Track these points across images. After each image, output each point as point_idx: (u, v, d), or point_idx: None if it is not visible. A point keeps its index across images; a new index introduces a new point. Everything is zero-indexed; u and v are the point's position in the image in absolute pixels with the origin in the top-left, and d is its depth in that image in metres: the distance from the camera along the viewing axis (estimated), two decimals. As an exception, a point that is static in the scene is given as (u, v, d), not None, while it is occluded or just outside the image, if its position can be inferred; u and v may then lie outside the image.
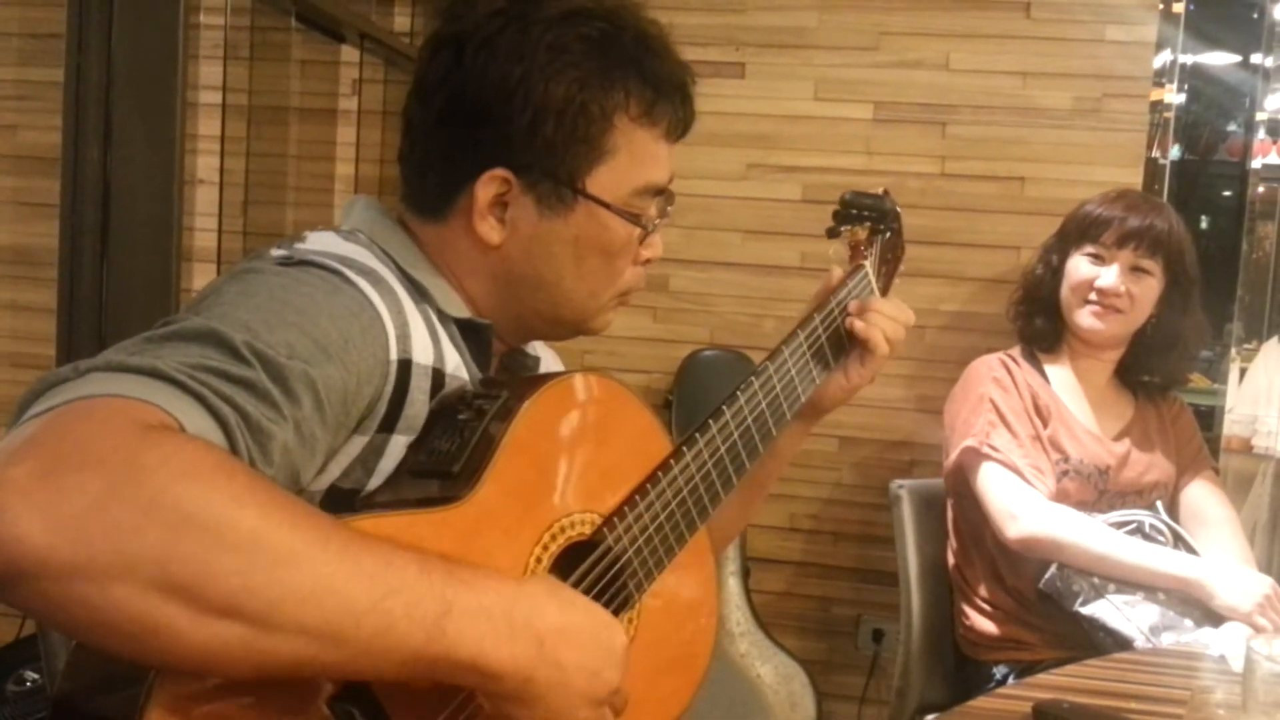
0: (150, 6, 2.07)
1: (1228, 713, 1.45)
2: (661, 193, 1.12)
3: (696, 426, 1.14)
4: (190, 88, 2.22)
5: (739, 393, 1.19)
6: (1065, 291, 2.26)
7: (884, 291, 1.46)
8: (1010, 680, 2.07)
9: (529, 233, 1.08)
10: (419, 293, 1.05)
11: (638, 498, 1.05)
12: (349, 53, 2.89)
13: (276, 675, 0.74)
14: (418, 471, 0.96)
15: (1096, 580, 2.02)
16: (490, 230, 1.07)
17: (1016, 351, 2.31)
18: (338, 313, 0.91)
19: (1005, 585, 2.16)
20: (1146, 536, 2.10)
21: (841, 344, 1.34)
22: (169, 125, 2.09)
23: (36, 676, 2.22)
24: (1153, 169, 2.76)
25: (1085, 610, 2.01)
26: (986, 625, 2.18)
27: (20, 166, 2.81)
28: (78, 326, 2.15)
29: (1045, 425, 2.18)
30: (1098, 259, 2.21)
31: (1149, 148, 2.70)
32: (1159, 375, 2.29)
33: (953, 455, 2.20)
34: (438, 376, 1.01)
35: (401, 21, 2.96)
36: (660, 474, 1.08)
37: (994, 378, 2.22)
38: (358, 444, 0.95)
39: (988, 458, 2.12)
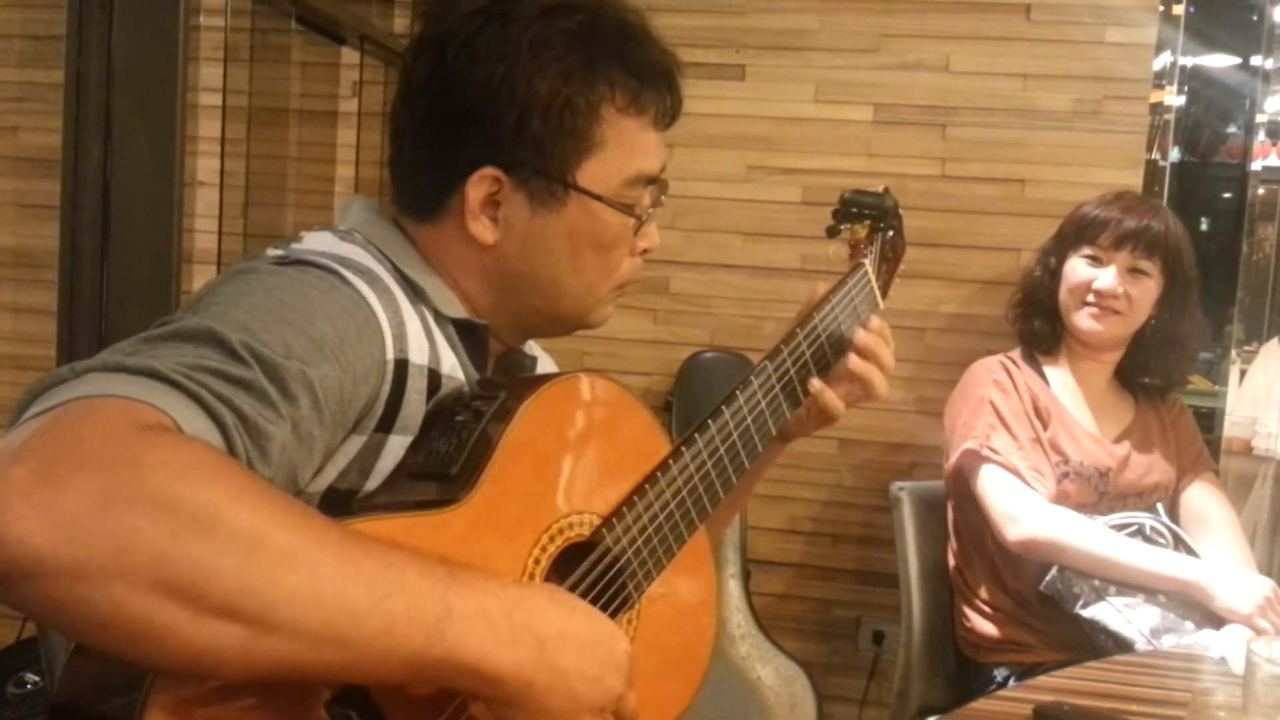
0: (150, 8, 2.07)
1: (1228, 715, 1.45)
2: (654, 181, 1.12)
3: (695, 426, 1.14)
4: (190, 89, 2.22)
5: (738, 393, 1.19)
6: (1063, 294, 2.26)
7: (884, 289, 1.46)
8: (1011, 682, 2.07)
9: (523, 230, 1.07)
10: (415, 293, 1.05)
11: (636, 498, 1.05)
12: (349, 55, 2.89)
13: (276, 677, 0.74)
14: (416, 473, 0.96)
15: (1097, 583, 2.02)
16: (484, 230, 1.07)
17: (1016, 354, 2.31)
18: (334, 312, 0.90)
19: (1006, 587, 2.16)
20: (1147, 539, 2.10)
21: (841, 346, 1.34)
22: (169, 127, 2.09)
23: (37, 679, 2.22)
24: (1153, 171, 2.76)
25: (1086, 612, 2.01)
26: (987, 627, 2.18)
27: (21, 168, 2.81)
28: (78, 328, 2.15)
29: (1045, 427, 2.18)
30: (1095, 261, 2.21)
31: (1149, 150, 2.70)
32: (1158, 377, 2.29)
33: (953, 457, 2.20)
34: (433, 377, 1.00)
35: (401, 23, 2.96)
36: (659, 474, 1.07)
37: (994, 380, 2.22)
38: (355, 444, 0.95)
39: (988, 460, 2.12)
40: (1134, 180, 2.63)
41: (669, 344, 2.82)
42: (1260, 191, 3.26)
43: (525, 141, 1.04)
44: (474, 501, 0.91)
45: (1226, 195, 3.90)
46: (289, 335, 0.85)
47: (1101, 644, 1.98)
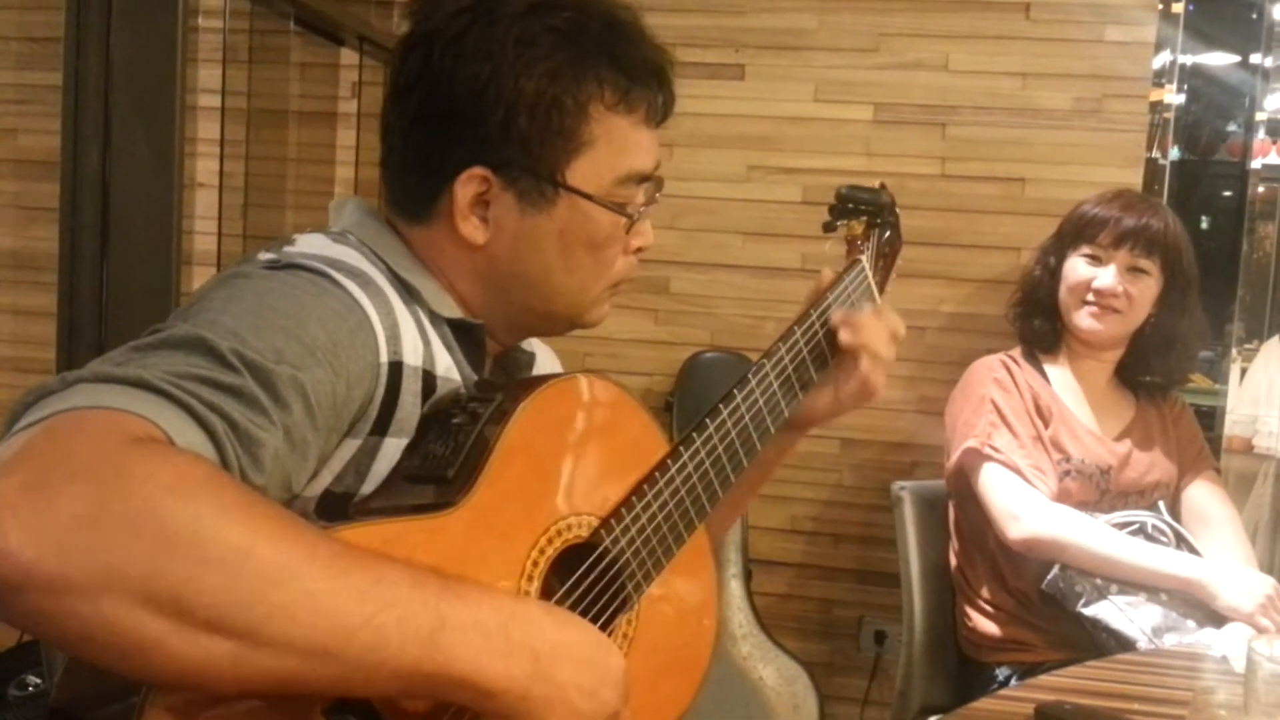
0: (149, 10, 2.07)
1: (1230, 714, 1.44)
2: (646, 179, 1.11)
3: (694, 426, 1.13)
4: (189, 91, 2.22)
5: (735, 391, 1.18)
6: (1063, 292, 2.25)
7: (881, 286, 1.45)
8: (1012, 682, 2.07)
9: (513, 230, 1.07)
10: (409, 294, 1.04)
11: (635, 499, 1.04)
12: (348, 56, 2.89)
13: (268, 691, 0.73)
14: (412, 476, 0.95)
15: (1099, 581, 2.02)
16: (474, 230, 1.06)
17: (1017, 352, 2.31)
18: (325, 316, 0.90)
19: (1007, 586, 2.16)
20: (1149, 537, 2.10)
21: (838, 344, 1.33)
22: (168, 128, 2.09)
23: (38, 681, 2.22)
24: (1152, 169, 2.76)
25: (1088, 611, 2.00)
26: (989, 626, 2.17)
27: (20, 170, 2.81)
28: (78, 330, 2.15)
29: (1046, 426, 2.18)
30: (1094, 260, 2.21)
31: (1149, 148, 2.70)
32: (1158, 375, 2.29)
33: (954, 456, 2.20)
34: (428, 378, 1.00)
35: (401, 24, 2.96)
36: (658, 474, 1.07)
37: (995, 378, 2.22)
38: (350, 448, 0.94)
39: (989, 458, 2.12)
40: (1134, 179, 2.63)
41: (669, 344, 2.82)
42: (1260, 190, 3.26)
43: (513, 141, 1.04)
44: (471, 504, 0.90)
45: (1226, 193, 3.90)
46: (280, 340, 0.85)
47: (1103, 643, 1.97)
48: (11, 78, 2.79)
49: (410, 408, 0.98)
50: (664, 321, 2.84)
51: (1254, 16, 3.28)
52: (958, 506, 2.28)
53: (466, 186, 1.05)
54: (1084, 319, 2.20)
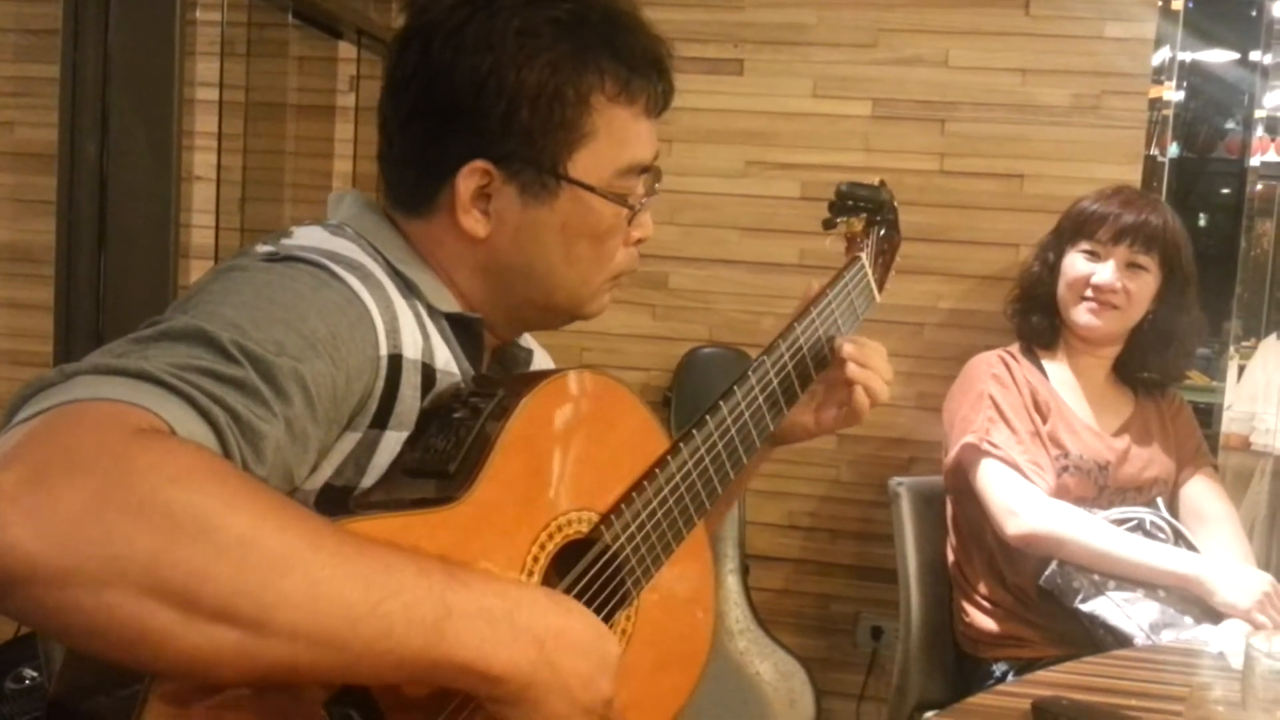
0: (146, 3, 2.07)
1: (1227, 709, 1.45)
2: (646, 170, 1.11)
3: (694, 422, 1.13)
4: (187, 84, 2.22)
5: (736, 388, 1.18)
6: (1062, 288, 2.26)
7: (880, 283, 1.45)
8: (1010, 677, 2.07)
9: (515, 223, 1.06)
10: (407, 287, 1.04)
11: (635, 495, 1.04)
12: (346, 49, 2.89)
13: (274, 680, 0.73)
14: (413, 471, 0.95)
15: (1096, 577, 2.02)
16: (475, 223, 1.06)
17: (1015, 348, 2.31)
18: (325, 308, 0.90)
19: (1005, 582, 2.16)
20: (1147, 533, 2.10)
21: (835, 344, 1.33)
22: (166, 122, 2.09)
23: (35, 674, 2.21)
24: (1151, 166, 2.76)
25: (1085, 607, 2.01)
26: (986, 622, 2.18)
27: (17, 163, 2.80)
28: (75, 323, 2.15)
29: (1045, 421, 2.18)
30: (1093, 256, 2.21)
31: (1148, 145, 2.70)
32: (1156, 372, 2.29)
33: (952, 452, 2.20)
34: (428, 371, 1.00)
35: (399, 17, 2.95)
36: (657, 470, 1.07)
37: (993, 374, 2.22)
38: (350, 441, 0.94)
39: (987, 454, 2.12)
40: (1133, 175, 2.63)
41: (667, 339, 2.82)
42: (1258, 187, 3.26)
43: (514, 133, 1.03)
44: (472, 499, 0.90)
45: (1225, 191, 3.90)
46: (280, 332, 0.84)
47: (1100, 639, 1.98)
48: (9, 70, 2.78)
49: (410, 401, 0.98)
50: (662, 317, 2.83)
51: (1253, 14, 3.28)
52: (955, 502, 2.28)
53: (468, 180, 1.04)
54: (1083, 314, 2.21)
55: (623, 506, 1.03)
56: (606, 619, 1.01)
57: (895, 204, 1.48)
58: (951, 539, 2.30)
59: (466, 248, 1.08)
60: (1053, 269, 2.28)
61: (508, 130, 1.03)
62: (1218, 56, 3.48)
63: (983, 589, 2.19)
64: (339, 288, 0.93)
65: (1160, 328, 2.24)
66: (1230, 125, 3.75)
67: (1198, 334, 2.34)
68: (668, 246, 2.76)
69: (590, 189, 1.06)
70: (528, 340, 1.26)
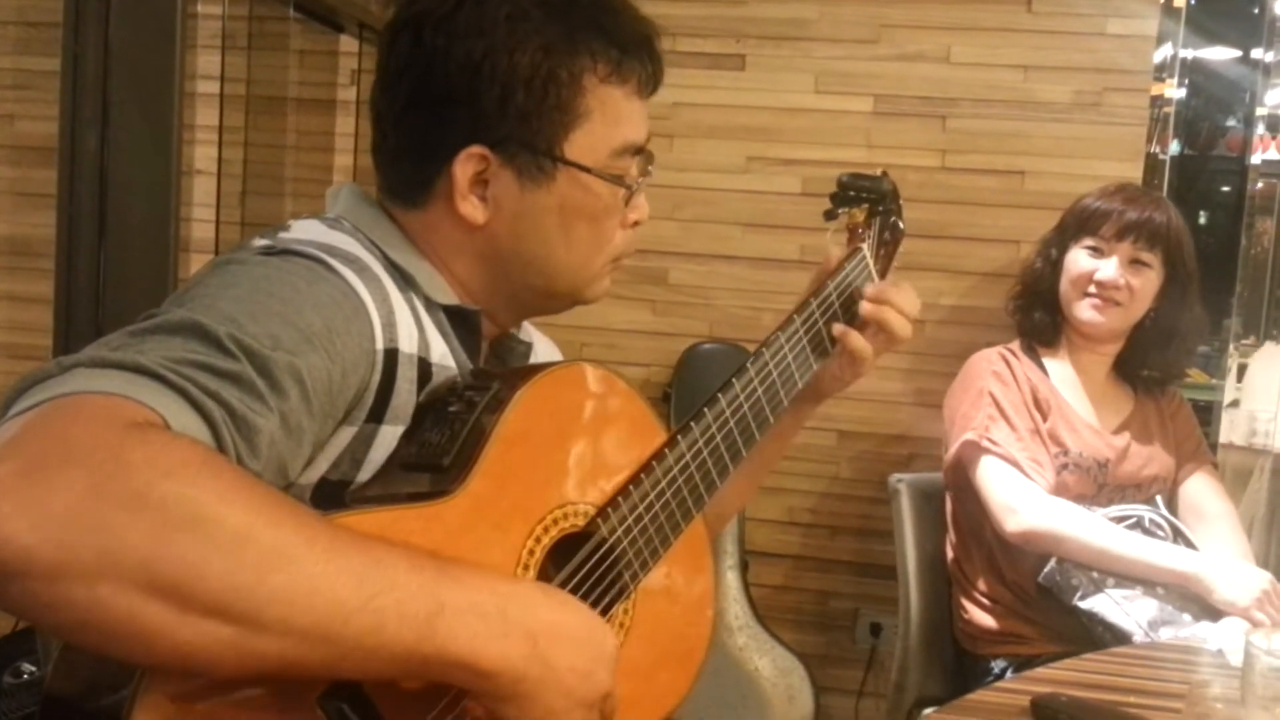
0: (148, -4, 2.06)
1: (1226, 707, 1.45)
2: (640, 151, 1.11)
3: (692, 415, 1.13)
4: (188, 77, 2.22)
5: (735, 380, 1.18)
6: (1064, 285, 2.26)
7: (882, 274, 1.44)
8: (1008, 674, 2.07)
9: (513, 208, 1.06)
10: (404, 280, 1.04)
11: (631, 488, 1.04)
12: (347, 43, 2.89)
13: (266, 675, 0.73)
14: (408, 465, 0.95)
15: (1095, 575, 2.02)
16: (474, 210, 1.06)
17: (1016, 345, 2.31)
18: (321, 302, 0.90)
19: (1004, 579, 2.16)
20: (1146, 531, 2.10)
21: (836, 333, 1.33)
22: (167, 115, 2.08)
23: (33, 669, 2.21)
24: (1152, 164, 2.75)
25: (1084, 604, 2.01)
26: (985, 619, 2.18)
27: (17, 156, 2.80)
28: (75, 317, 2.15)
29: (1045, 419, 2.18)
30: (1096, 252, 2.21)
31: (1149, 142, 2.69)
32: (1157, 369, 2.29)
33: (952, 449, 2.20)
34: (423, 365, 1.00)
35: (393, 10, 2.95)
36: (654, 463, 1.07)
37: (993, 371, 2.22)
38: (346, 435, 0.94)
39: (987, 451, 2.12)
40: (1134, 173, 2.62)
41: (668, 335, 2.82)
42: (1259, 185, 3.25)
43: (510, 117, 1.03)
44: (467, 492, 0.90)
45: (1226, 189, 3.90)
46: (276, 326, 0.84)
47: (1099, 636, 1.98)
48: (10, 63, 2.78)
49: (406, 395, 0.98)
50: (662, 312, 2.83)
51: (1255, 11, 3.28)
52: (955, 499, 2.28)
53: (465, 166, 1.04)
54: (1085, 310, 2.21)
55: (619, 499, 1.03)
56: (604, 612, 1.01)
57: (899, 194, 1.47)
58: (951, 536, 2.30)
59: (465, 235, 1.07)
60: (1055, 265, 2.28)
61: (503, 114, 1.03)
62: (1219, 54, 3.48)
63: (982, 586, 2.19)
64: (335, 282, 0.93)
65: (1162, 325, 2.24)
66: (1231, 123, 3.74)
67: (1199, 332, 2.34)
68: (668, 242, 2.76)
69: (587, 170, 1.06)
70: (528, 333, 1.26)
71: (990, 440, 2.12)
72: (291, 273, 0.91)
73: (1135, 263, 2.18)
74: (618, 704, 0.92)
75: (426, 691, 0.84)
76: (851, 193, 1.42)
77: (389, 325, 0.96)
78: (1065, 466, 2.15)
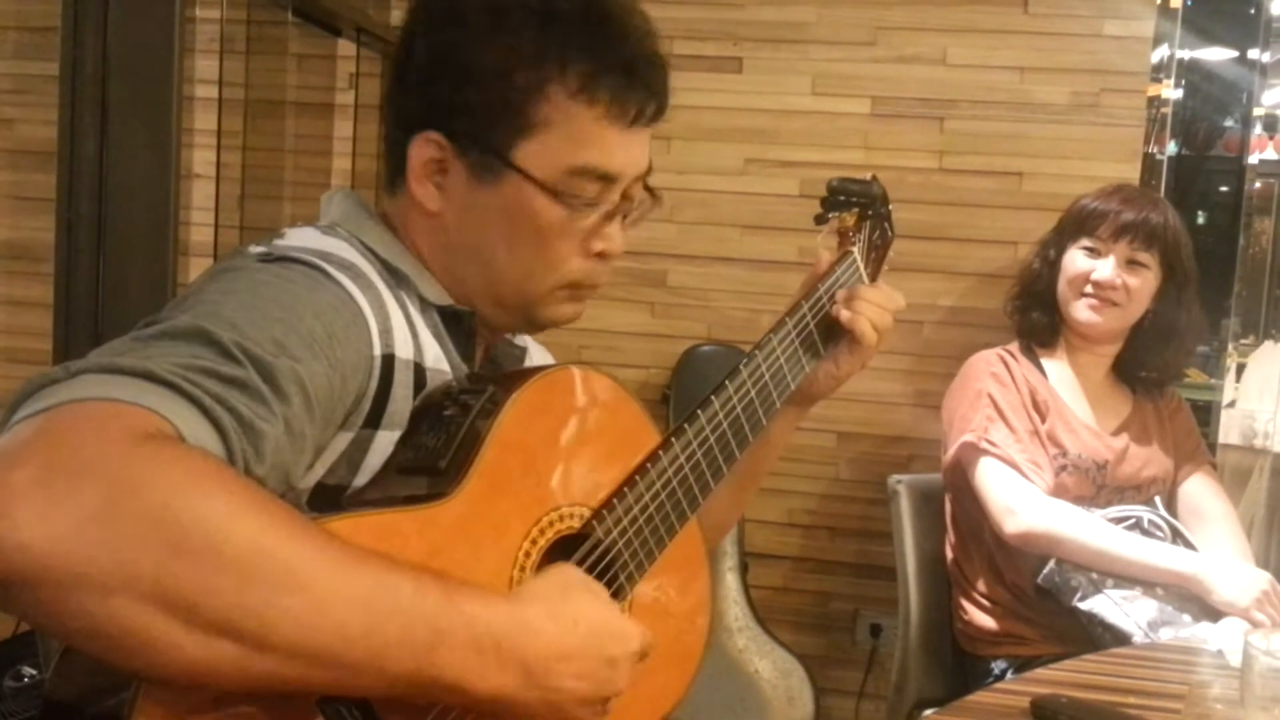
0: (146, 0, 2.06)
1: (1225, 708, 1.45)
2: (609, 179, 1.06)
3: (685, 417, 1.13)
4: (186, 82, 2.22)
5: (728, 382, 1.18)
6: (1062, 285, 2.26)
7: (873, 277, 1.45)
8: (1008, 675, 2.07)
9: (461, 201, 1.06)
10: (398, 280, 1.04)
11: (627, 490, 1.05)
12: (345, 47, 2.89)
13: (268, 690, 0.74)
14: (404, 468, 0.96)
15: (1095, 575, 2.02)
16: (427, 195, 1.06)
17: (1014, 347, 2.31)
18: (321, 308, 0.90)
19: (1003, 580, 2.16)
20: (1145, 532, 2.10)
21: (831, 332, 1.33)
22: (165, 119, 2.08)
23: (34, 672, 2.21)
24: (1150, 164, 2.76)
25: (1083, 605, 2.01)
26: (985, 620, 2.18)
27: (16, 161, 2.80)
28: (74, 321, 2.14)
29: (1043, 420, 2.18)
30: (1094, 252, 2.21)
31: (1146, 143, 2.69)
32: (1156, 370, 2.29)
33: (951, 450, 2.20)
34: (418, 371, 1.00)
35: (398, 15, 2.95)
36: (649, 465, 1.07)
37: (992, 373, 2.22)
38: (343, 440, 0.94)
39: (986, 453, 2.12)
40: (1131, 173, 2.63)
41: (666, 337, 2.82)
42: (1257, 185, 3.26)
43: (462, 110, 1.03)
44: (463, 495, 0.90)
45: (1223, 189, 3.90)
46: (279, 333, 0.85)
47: (1099, 637, 1.98)
48: (8, 68, 2.78)
49: (402, 401, 0.98)
50: (661, 314, 2.83)
51: (1252, 12, 3.28)
52: (954, 500, 2.28)
53: (421, 149, 1.05)
54: (1082, 311, 2.21)
55: (615, 501, 1.03)
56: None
57: (888, 198, 1.47)
58: (950, 537, 2.30)
59: (425, 221, 1.08)
60: (1053, 266, 2.29)
61: (456, 107, 1.04)
62: (1216, 54, 3.48)
63: (981, 587, 2.19)
64: (333, 289, 0.93)
65: (1160, 326, 2.24)
66: (1229, 123, 3.75)
67: (1197, 333, 2.34)
68: (667, 244, 2.76)
69: (535, 181, 1.04)
70: (523, 339, 1.26)
71: (989, 441, 2.12)
72: (291, 280, 0.91)
73: (1132, 263, 2.19)
74: (631, 682, 0.94)
75: (427, 701, 0.85)
76: (841, 197, 1.43)
77: (385, 331, 0.96)
78: (1064, 468, 2.15)
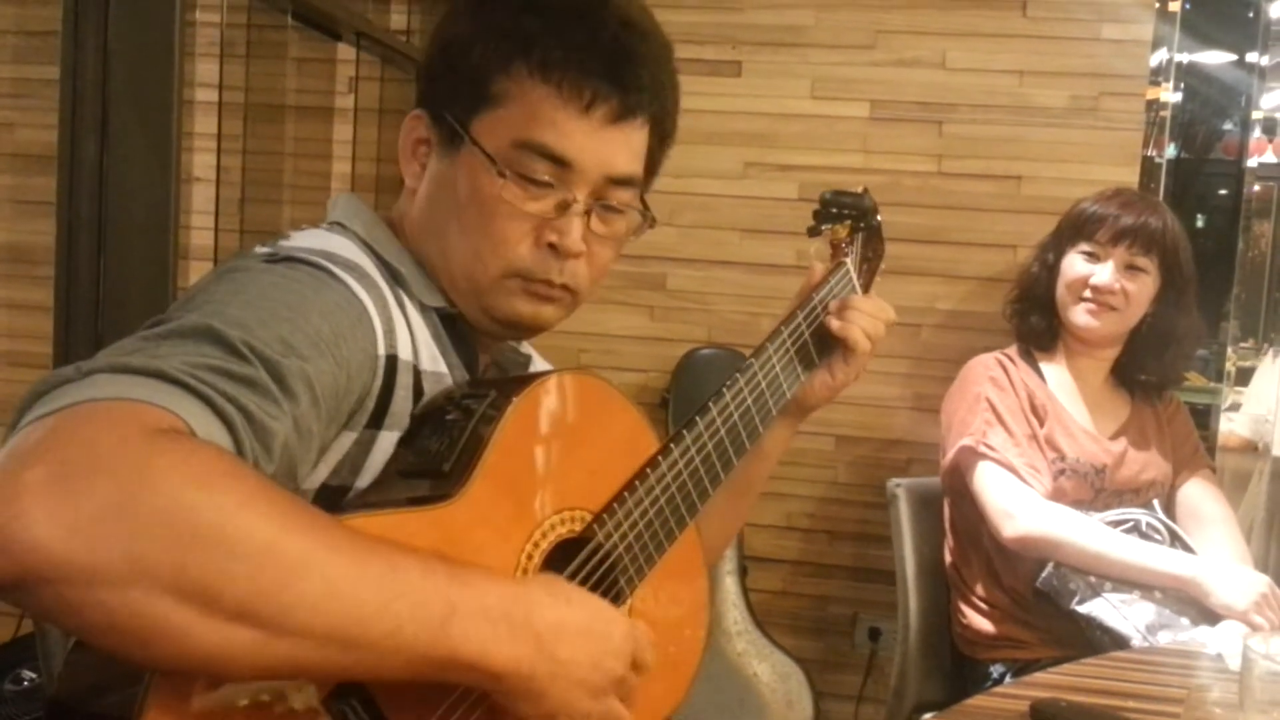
0: (146, 4, 2.06)
1: (1224, 711, 1.45)
2: (561, 162, 1.04)
3: (684, 423, 1.15)
4: (187, 85, 2.22)
5: (725, 390, 1.20)
6: (1061, 289, 2.26)
7: (865, 288, 1.46)
8: (1007, 679, 2.07)
9: (431, 173, 1.09)
10: (397, 281, 1.05)
11: (627, 494, 1.05)
12: (345, 51, 2.89)
13: (283, 677, 0.75)
14: (407, 471, 0.96)
15: (1093, 579, 2.02)
16: (412, 174, 1.10)
17: (1013, 350, 2.31)
18: (327, 308, 0.91)
19: (1002, 584, 2.16)
20: (1143, 535, 2.10)
21: (825, 342, 1.35)
22: (165, 123, 2.08)
23: (34, 676, 2.21)
24: (1149, 168, 2.76)
25: (1082, 609, 2.01)
26: (983, 624, 2.18)
27: (17, 164, 2.80)
28: (74, 325, 2.14)
29: (1042, 424, 2.18)
30: (1092, 257, 2.21)
31: (1145, 146, 2.70)
32: (1154, 374, 2.29)
33: (949, 454, 2.20)
34: (416, 373, 1.01)
35: (398, 19, 2.96)
36: (649, 470, 1.08)
37: (990, 377, 2.22)
38: (347, 440, 0.95)
39: (984, 457, 2.12)
40: (1130, 177, 2.63)
41: (666, 340, 2.82)
42: (1256, 188, 3.27)
43: (433, 81, 1.08)
44: (466, 498, 0.91)
45: (1222, 192, 3.90)
46: (286, 332, 0.85)
47: (1097, 640, 1.98)
48: (8, 72, 2.78)
49: (403, 401, 0.99)
50: (660, 318, 2.84)
51: (1250, 15, 3.29)
52: (953, 504, 2.28)
53: (410, 128, 1.09)
54: (1081, 315, 2.21)
55: (615, 505, 1.04)
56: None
57: (879, 210, 1.49)
58: (949, 541, 2.30)
59: (412, 208, 1.11)
60: (1052, 270, 2.29)
61: (433, 79, 1.08)
62: (1215, 58, 3.48)
63: (980, 591, 2.20)
64: (339, 289, 0.94)
65: (1159, 330, 2.24)
66: (1227, 126, 3.75)
67: (1196, 337, 2.34)
68: (666, 247, 2.77)
69: (485, 153, 1.04)
70: (526, 347, 1.27)
71: (987, 446, 2.12)
72: (297, 280, 0.92)
73: (1131, 268, 2.19)
74: (633, 687, 0.94)
75: (431, 693, 0.85)
76: (834, 209, 1.45)
77: (389, 332, 0.97)
78: (1062, 472, 2.15)
